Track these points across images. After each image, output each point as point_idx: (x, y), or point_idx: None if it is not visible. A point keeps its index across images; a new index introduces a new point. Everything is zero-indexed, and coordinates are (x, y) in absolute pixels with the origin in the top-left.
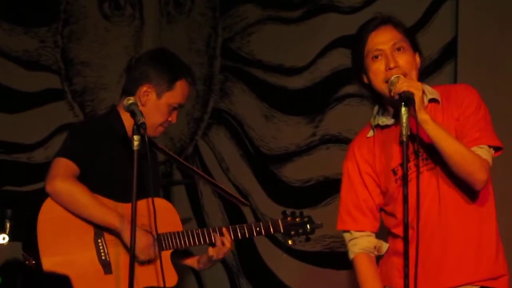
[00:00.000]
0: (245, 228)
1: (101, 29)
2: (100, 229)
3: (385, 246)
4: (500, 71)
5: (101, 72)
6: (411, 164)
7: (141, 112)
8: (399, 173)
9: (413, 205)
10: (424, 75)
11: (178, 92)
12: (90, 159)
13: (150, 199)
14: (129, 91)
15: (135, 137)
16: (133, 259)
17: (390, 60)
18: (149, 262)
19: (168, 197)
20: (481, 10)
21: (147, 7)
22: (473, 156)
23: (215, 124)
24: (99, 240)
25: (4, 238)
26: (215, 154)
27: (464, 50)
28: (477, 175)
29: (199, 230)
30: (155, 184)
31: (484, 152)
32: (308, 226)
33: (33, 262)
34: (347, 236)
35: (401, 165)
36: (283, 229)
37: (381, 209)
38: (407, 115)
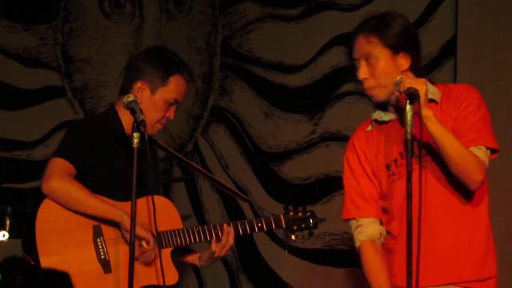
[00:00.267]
0: (246, 224)
1: (101, 27)
2: (99, 228)
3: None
4: (499, 69)
5: (101, 70)
6: (404, 161)
7: (140, 109)
8: (392, 168)
9: (404, 201)
10: (424, 73)
11: (173, 87)
12: (86, 158)
13: (149, 197)
14: (125, 89)
15: (135, 135)
16: (133, 258)
17: (360, 72)
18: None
19: (167, 194)
20: (481, 8)
21: (147, 5)
22: (472, 156)
23: (215, 121)
24: (98, 240)
25: (4, 235)
26: (214, 152)
27: (463, 48)
28: (474, 175)
29: (200, 227)
30: (155, 182)
31: (482, 153)
32: (311, 220)
33: (32, 262)
34: (352, 224)
35: (396, 161)
36: (285, 224)
37: None
38: (411, 112)
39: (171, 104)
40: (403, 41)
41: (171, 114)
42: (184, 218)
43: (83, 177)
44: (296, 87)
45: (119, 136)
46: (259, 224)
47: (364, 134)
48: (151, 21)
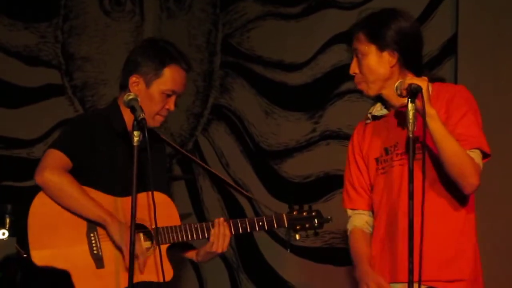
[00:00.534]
0: (247, 222)
1: (102, 25)
2: (93, 223)
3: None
4: (499, 67)
5: (101, 68)
6: (388, 157)
7: (141, 107)
8: (380, 163)
9: (391, 196)
10: (424, 71)
11: (168, 78)
12: (84, 152)
13: (149, 193)
14: (123, 84)
15: (135, 133)
16: (133, 256)
17: (351, 68)
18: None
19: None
20: (481, 7)
21: (147, 3)
22: (470, 160)
23: (215, 119)
24: (92, 234)
25: (4, 234)
26: (215, 150)
27: (464, 46)
28: (471, 179)
29: (198, 224)
30: (160, 177)
31: (476, 156)
32: (316, 220)
33: (25, 255)
34: (348, 212)
35: (381, 156)
36: (287, 224)
37: None
38: (413, 111)
39: (168, 95)
40: (389, 38)
41: (170, 105)
42: (184, 216)
43: (82, 171)
44: (296, 85)
45: (120, 131)
46: (260, 223)
47: (363, 127)
48: (152, 19)
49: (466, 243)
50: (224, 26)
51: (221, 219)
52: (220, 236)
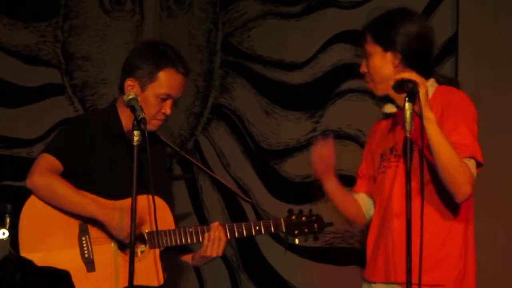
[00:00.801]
0: (244, 227)
1: (102, 24)
2: (85, 227)
3: (371, 211)
4: (500, 67)
5: (101, 67)
6: (389, 157)
7: (141, 107)
8: (384, 161)
9: (384, 196)
10: (428, 72)
11: (163, 82)
12: (78, 156)
13: (146, 196)
14: (120, 86)
15: (135, 132)
16: (133, 257)
17: (361, 66)
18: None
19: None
20: (481, 7)
21: (147, 2)
22: (464, 168)
23: (215, 119)
24: (83, 238)
25: (4, 233)
26: (215, 150)
27: (464, 46)
28: (463, 187)
29: (192, 228)
30: (160, 178)
31: (471, 165)
32: (315, 225)
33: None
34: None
35: (385, 154)
36: (285, 228)
37: None
38: (411, 110)
39: (164, 99)
40: (392, 39)
41: (166, 109)
42: (184, 216)
43: (77, 174)
44: (296, 85)
45: (117, 133)
46: (257, 227)
47: (377, 123)
48: (152, 18)
49: (450, 251)
50: (224, 25)
51: (216, 223)
52: (215, 240)
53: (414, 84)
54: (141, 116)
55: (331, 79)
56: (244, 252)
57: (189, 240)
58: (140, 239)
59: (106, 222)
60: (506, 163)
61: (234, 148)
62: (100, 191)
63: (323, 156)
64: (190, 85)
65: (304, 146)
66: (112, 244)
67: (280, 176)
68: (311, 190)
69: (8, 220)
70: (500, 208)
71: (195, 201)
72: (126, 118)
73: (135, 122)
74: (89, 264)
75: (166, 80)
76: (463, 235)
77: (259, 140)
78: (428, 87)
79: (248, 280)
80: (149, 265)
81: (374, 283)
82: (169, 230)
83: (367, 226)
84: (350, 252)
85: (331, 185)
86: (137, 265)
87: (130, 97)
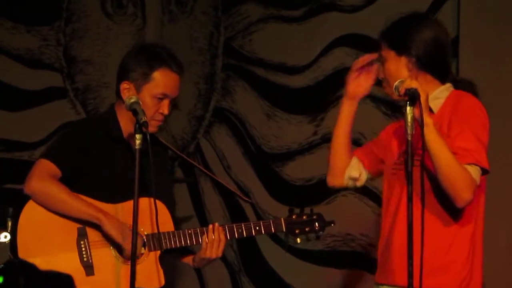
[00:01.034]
0: (243, 227)
1: (103, 28)
2: (84, 230)
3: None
4: (501, 69)
5: (103, 71)
6: (402, 159)
7: (143, 110)
8: (396, 165)
9: (393, 199)
10: (450, 76)
11: (158, 82)
12: (76, 160)
13: (146, 199)
14: (116, 90)
15: (137, 136)
16: (134, 261)
17: (378, 72)
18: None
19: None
20: (483, 9)
21: (149, 6)
22: (464, 173)
23: (217, 122)
24: (82, 242)
25: (5, 237)
26: (216, 153)
27: (465, 49)
28: (463, 193)
29: (191, 230)
30: (161, 181)
31: (474, 171)
32: (316, 224)
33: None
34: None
35: (398, 158)
36: (285, 228)
37: None
38: (412, 114)
39: (160, 99)
40: (407, 44)
41: (164, 109)
42: (186, 219)
43: (76, 179)
44: (298, 88)
45: (116, 138)
46: (257, 228)
47: (395, 124)
48: (153, 22)
49: (456, 255)
50: (226, 29)
51: (215, 224)
52: (214, 241)
53: (415, 88)
54: (143, 120)
55: (332, 83)
56: (245, 255)
57: (188, 242)
58: (140, 241)
59: (106, 228)
60: (507, 164)
61: (236, 151)
62: (99, 194)
63: (360, 78)
64: (192, 88)
65: (306, 149)
66: (111, 248)
67: (281, 179)
68: (312, 193)
69: (9, 223)
70: (501, 208)
71: (197, 204)
72: (125, 122)
73: (137, 125)
74: (88, 268)
75: (161, 80)
76: (470, 240)
77: (261, 143)
78: (442, 91)
79: (249, 283)
80: (149, 267)
81: (382, 285)
82: (168, 232)
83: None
84: (351, 255)
85: (347, 111)
86: (137, 268)
87: (132, 100)
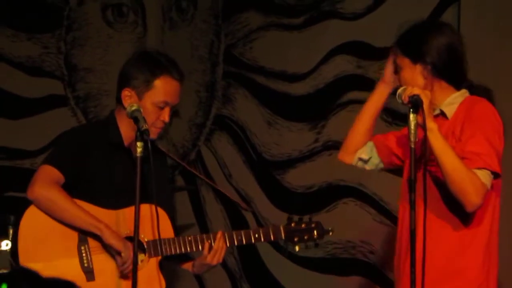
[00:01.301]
0: (243, 234)
1: (104, 36)
2: (84, 236)
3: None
4: (500, 76)
5: (104, 79)
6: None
7: (144, 118)
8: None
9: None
10: (465, 82)
11: (159, 90)
12: (77, 166)
13: (146, 205)
14: (117, 97)
15: (138, 143)
16: (136, 267)
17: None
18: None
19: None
20: (483, 16)
21: (150, 14)
22: (472, 177)
23: (218, 130)
24: (83, 247)
25: (7, 244)
26: (217, 160)
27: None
28: (471, 197)
29: (191, 237)
30: (162, 188)
31: (484, 176)
32: (315, 232)
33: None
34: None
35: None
36: (284, 235)
37: None
38: (415, 121)
39: (161, 107)
40: (421, 51)
41: (165, 116)
42: (187, 227)
43: (78, 185)
44: (299, 96)
45: (116, 145)
46: (256, 235)
47: None
48: (154, 30)
49: (470, 262)
50: (227, 36)
51: (220, 232)
52: (217, 250)
53: (418, 95)
54: (144, 127)
55: (333, 90)
56: (246, 263)
57: (188, 248)
58: (140, 247)
59: (106, 239)
60: (507, 165)
61: (236, 159)
62: (100, 200)
63: None
64: (192, 96)
65: (307, 157)
66: (111, 254)
67: (282, 187)
68: (313, 200)
69: (11, 231)
70: (502, 208)
71: (198, 212)
72: (125, 129)
73: (138, 133)
74: (89, 274)
75: (162, 88)
76: (485, 245)
77: (261, 151)
78: (457, 97)
79: None
80: (149, 273)
81: None
82: (168, 239)
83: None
84: (352, 263)
85: (379, 95)
86: (137, 274)
87: (134, 108)
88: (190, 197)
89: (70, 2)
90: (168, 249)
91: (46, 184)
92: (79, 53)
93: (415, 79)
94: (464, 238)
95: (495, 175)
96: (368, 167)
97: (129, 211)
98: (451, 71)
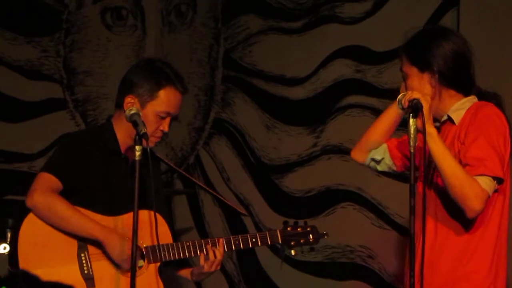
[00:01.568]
0: (240, 239)
1: (103, 39)
2: (84, 243)
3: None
4: (500, 81)
5: (103, 82)
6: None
7: (143, 122)
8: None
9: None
10: (474, 88)
11: (163, 100)
12: (75, 173)
13: (144, 211)
14: (118, 102)
15: (137, 147)
16: (134, 271)
17: (400, 88)
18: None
19: (169, 206)
20: (482, 21)
21: (149, 17)
22: (472, 183)
23: (217, 134)
24: (82, 254)
25: (5, 248)
26: (216, 164)
27: None
28: (471, 203)
29: (190, 242)
30: (158, 193)
31: (485, 182)
32: (311, 236)
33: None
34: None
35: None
36: (281, 240)
37: None
38: (415, 126)
39: (163, 117)
40: (428, 60)
41: (165, 127)
42: (185, 230)
43: (76, 192)
44: (297, 100)
45: (113, 150)
46: (254, 239)
47: None
48: (153, 33)
49: (477, 266)
50: (226, 40)
51: (222, 240)
52: (216, 260)
53: (418, 99)
54: (143, 131)
55: (332, 94)
56: (245, 267)
57: (187, 254)
58: (139, 253)
59: (105, 244)
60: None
61: (235, 163)
62: (99, 207)
63: None
64: (191, 100)
65: (305, 161)
66: (111, 260)
67: (281, 191)
68: (311, 204)
69: (9, 234)
70: (511, 210)
71: (196, 215)
72: (122, 135)
73: (137, 137)
74: (89, 281)
75: (166, 99)
76: (493, 249)
77: (260, 155)
78: (465, 103)
79: None
80: (148, 279)
81: None
82: (167, 245)
83: None
84: (351, 267)
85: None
86: (136, 280)
87: (132, 112)
88: (188, 200)
89: (69, 6)
90: (167, 255)
91: (45, 192)
92: (78, 56)
93: (422, 88)
94: (471, 243)
95: (499, 180)
96: (380, 167)
97: (128, 217)
98: (459, 78)
